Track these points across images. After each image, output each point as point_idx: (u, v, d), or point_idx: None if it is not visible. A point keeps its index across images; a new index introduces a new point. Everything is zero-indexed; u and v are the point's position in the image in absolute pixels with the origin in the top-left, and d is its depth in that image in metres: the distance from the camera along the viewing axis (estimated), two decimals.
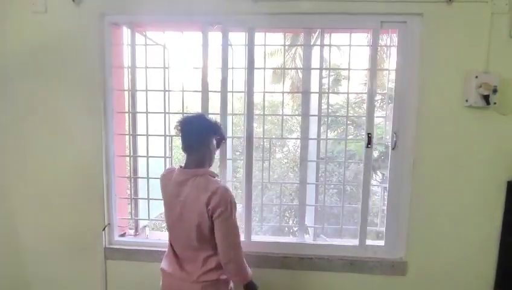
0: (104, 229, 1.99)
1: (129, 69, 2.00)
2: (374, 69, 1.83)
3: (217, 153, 1.69)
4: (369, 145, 1.84)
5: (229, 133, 2.05)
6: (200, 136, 1.48)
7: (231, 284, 1.54)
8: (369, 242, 1.95)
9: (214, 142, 1.55)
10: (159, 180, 1.59)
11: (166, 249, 1.60)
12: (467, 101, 1.74)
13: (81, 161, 1.97)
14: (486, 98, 1.68)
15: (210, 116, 1.72)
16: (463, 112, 1.77)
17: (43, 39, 1.90)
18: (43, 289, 2.10)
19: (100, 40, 1.89)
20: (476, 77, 1.69)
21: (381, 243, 1.96)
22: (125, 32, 1.99)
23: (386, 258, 1.92)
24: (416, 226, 1.86)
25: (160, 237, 2.10)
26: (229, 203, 1.40)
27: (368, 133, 1.84)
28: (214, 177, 1.49)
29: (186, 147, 1.48)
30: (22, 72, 1.93)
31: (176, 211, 1.44)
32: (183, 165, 1.51)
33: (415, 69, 1.79)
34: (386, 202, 1.93)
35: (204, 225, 1.40)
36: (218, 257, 1.45)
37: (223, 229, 1.40)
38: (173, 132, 1.57)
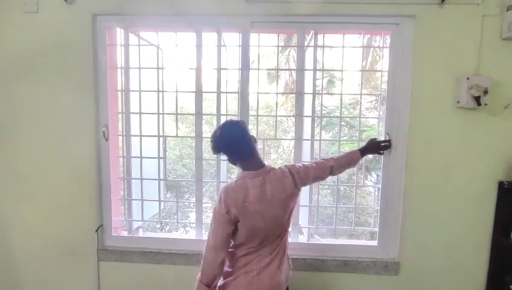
0: (97, 230, 1.98)
1: (122, 70, 1.99)
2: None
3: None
4: None
5: None
6: (246, 140, 1.43)
7: None
8: (363, 242, 1.96)
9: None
10: (223, 203, 1.38)
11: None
12: (458, 102, 1.76)
13: (73, 161, 1.95)
14: (477, 99, 1.70)
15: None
16: (455, 113, 1.79)
17: (34, 40, 1.88)
18: None
19: (93, 41, 1.88)
20: (468, 78, 1.71)
21: (375, 243, 1.97)
22: (119, 32, 1.98)
23: (379, 258, 1.94)
24: (409, 226, 1.88)
25: (153, 238, 2.09)
26: (298, 166, 1.53)
27: None
28: None
29: (243, 156, 1.43)
30: (13, 72, 1.91)
31: (269, 212, 1.40)
32: (246, 172, 1.43)
33: (407, 70, 1.80)
34: (379, 203, 1.95)
35: (296, 198, 1.51)
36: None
37: (310, 167, 1.55)
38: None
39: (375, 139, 1.84)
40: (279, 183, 1.43)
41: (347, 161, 1.68)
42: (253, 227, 1.40)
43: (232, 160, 1.47)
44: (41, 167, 1.97)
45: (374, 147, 1.82)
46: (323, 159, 1.64)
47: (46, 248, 2.03)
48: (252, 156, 1.43)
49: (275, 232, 1.45)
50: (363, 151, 1.75)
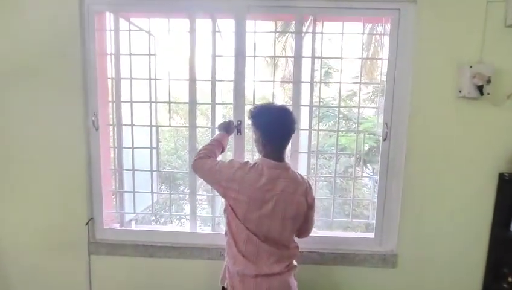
0: (87, 223, 1.92)
1: (112, 57, 1.90)
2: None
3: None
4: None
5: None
6: (291, 134, 1.41)
7: None
8: (360, 235, 1.92)
9: None
10: (235, 170, 1.37)
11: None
12: (460, 91, 1.71)
13: (62, 152, 1.88)
14: (480, 89, 1.65)
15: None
16: (456, 103, 1.74)
17: (18, 25, 1.79)
18: (24, 286, 2.03)
19: (80, 26, 1.79)
20: (471, 66, 1.66)
21: (372, 235, 1.93)
22: (108, 17, 1.89)
23: (377, 251, 1.90)
24: (407, 218, 1.84)
25: (146, 231, 2.04)
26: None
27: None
28: None
29: (279, 145, 1.40)
30: None
31: (269, 206, 1.35)
32: (266, 159, 1.39)
33: (408, 58, 1.74)
34: (376, 195, 1.90)
35: (300, 216, 1.42)
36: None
37: (312, 218, 1.53)
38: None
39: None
40: (293, 183, 1.39)
41: None
42: (248, 211, 1.35)
43: (264, 142, 1.39)
44: (29, 159, 1.90)
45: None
46: None
47: (36, 241, 1.97)
48: (284, 149, 1.43)
49: (269, 233, 1.36)
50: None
